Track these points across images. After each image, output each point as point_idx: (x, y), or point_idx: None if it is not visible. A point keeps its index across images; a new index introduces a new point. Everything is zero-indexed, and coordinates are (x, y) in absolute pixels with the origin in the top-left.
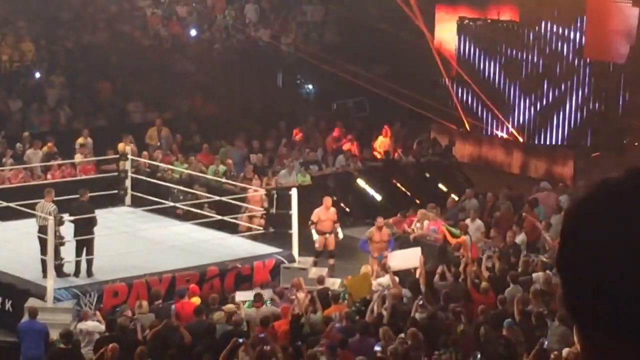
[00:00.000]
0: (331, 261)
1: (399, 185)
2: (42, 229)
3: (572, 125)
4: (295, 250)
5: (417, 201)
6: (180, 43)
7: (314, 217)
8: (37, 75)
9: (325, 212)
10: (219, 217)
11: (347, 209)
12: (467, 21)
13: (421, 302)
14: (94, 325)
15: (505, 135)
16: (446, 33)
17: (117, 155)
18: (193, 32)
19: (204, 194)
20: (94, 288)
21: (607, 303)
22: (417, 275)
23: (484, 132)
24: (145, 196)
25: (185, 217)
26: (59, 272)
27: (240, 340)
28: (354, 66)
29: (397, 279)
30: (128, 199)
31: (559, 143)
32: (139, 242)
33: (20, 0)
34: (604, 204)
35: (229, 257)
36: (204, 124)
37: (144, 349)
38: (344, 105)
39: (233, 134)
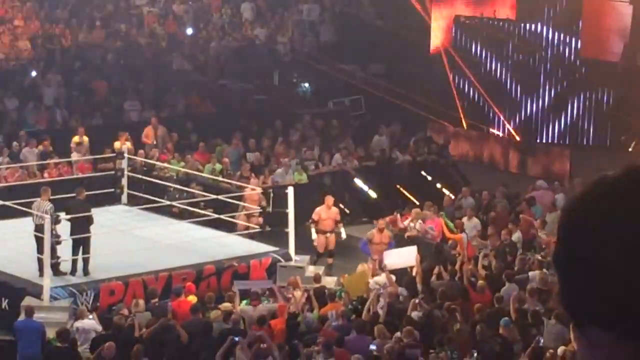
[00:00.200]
0: (330, 260)
1: (395, 183)
2: (39, 228)
3: (568, 123)
4: (291, 249)
5: (414, 200)
6: (177, 41)
7: (314, 216)
8: (34, 73)
9: (326, 211)
10: (216, 216)
11: (345, 208)
12: (463, 19)
13: (418, 301)
14: (90, 323)
15: (501, 134)
16: (442, 31)
17: (114, 154)
18: (189, 31)
19: (200, 192)
20: (90, 286)
21: (605, 299)
22: (413, 274)
23: (481, 130)
24: (141, 195)
25: (182, 215)
26: (56, 270)
27: (237, 339)
28: (350, 65)
29: (393, 277)
30: (124, 198)
31: (556, 141)
32: (135, 240)
33: None
34: (601, 200)
35: (225, 255)
36: (201, 122)
37: (140, 347)
38: (341, 103)
39: (229, 132)
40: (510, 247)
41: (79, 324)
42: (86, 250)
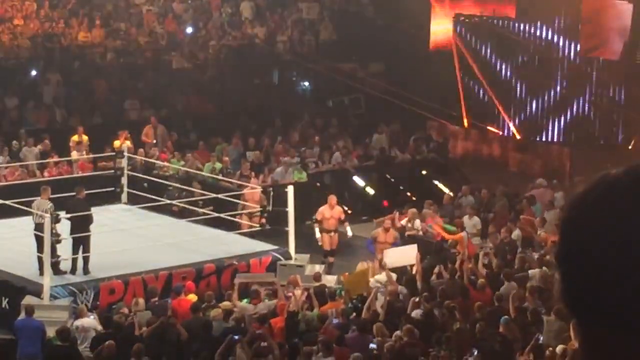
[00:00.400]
0: (330, 259)
1: (394, 182)
2: (39, 227)
3: (568, 122)
4: (291, 248)
5: (413, 198)
6: (176, 40)
7: (318, 215)
8: (33, 72)
9: (329, 210)
10: (216, 215)
11: (345, 207)
12: (463, 17)
13: (418, 299)
14: (91, 322)
15: (501, 132)
16: (442, 29)
17: (114, 153)
18: (189, 30)
19: (200, 191)
20: (90, 285)
21: (607, 296)
22: (413, 272)
23: (482, 128)
24: (141, 193)
25: (182, 214)
26: (56, 269)
27: (236, 337)
28: (350, 64)
29: (394, 275)
30: (124, 197)
31: (556, 140)
32: (135, 239)
33: None
34: (603, 197)
35: (225, 254)
36: (200, 121)
37: (140, 346)
38: (340, 102)
39: (229, 131)
40: (510, 245)
41: (79, 322)
42: (86, 249)
